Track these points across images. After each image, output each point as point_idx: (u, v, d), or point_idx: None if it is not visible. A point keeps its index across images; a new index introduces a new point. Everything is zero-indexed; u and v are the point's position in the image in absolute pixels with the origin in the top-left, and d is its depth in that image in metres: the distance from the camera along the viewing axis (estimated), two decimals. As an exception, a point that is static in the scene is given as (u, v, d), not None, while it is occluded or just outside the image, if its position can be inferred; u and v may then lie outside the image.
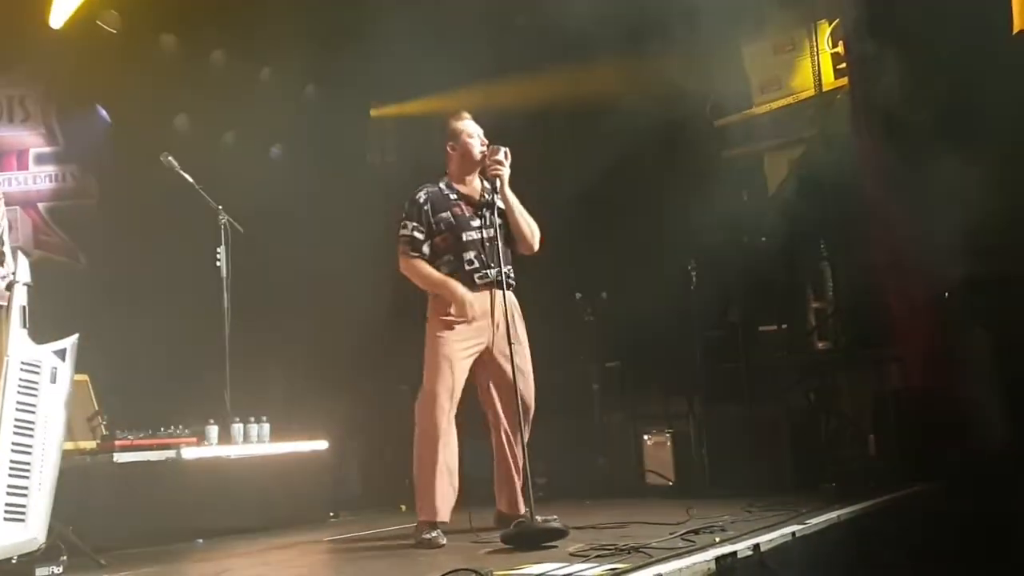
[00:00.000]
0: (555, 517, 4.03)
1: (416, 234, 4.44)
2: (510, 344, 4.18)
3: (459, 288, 4.37)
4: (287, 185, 7.20)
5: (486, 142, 4.57)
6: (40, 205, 7.56)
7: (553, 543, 3.80)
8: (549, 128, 7.74)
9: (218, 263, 5.63)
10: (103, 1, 7.01)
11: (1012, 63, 5.74)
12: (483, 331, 4.43)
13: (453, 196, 4.56)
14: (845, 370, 6.55)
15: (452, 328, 4.36)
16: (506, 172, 4.43)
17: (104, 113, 7.46)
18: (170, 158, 5.64)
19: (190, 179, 5.66)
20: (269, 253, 6.76)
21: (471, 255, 4.44)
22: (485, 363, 4.49)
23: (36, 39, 6.95)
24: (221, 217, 5.69)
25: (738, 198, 7.03)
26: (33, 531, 3.76)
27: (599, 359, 7.04)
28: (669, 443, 6.34)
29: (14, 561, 3.71)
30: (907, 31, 6.51)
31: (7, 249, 3.98)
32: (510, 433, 4.50)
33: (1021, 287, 6.13)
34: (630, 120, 7.04)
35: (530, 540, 3.81)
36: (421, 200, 4.49)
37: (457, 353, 4.37)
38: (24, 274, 3.91)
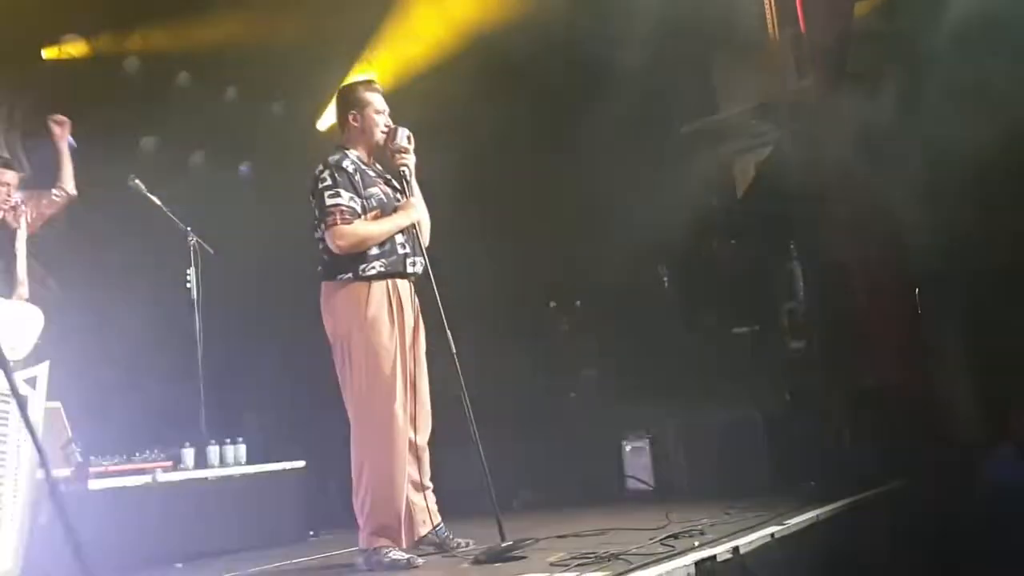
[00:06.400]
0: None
1: (354, 204, 3.95)
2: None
3: (401, 215, 4.01)
4: (256, 203, 7.16)
5: (390, 124, 4.19)
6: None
7: (522, 554, 3.73)
8: (515, 134, 7.74)
9: (188, 285, 5.60)
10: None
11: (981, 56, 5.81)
12: (409, 323, 4.08)
13: (372, 173, 4.13)
14: (820, 368, 6.59)
15: (385, 324, 3.95)
16: (412, 160, 4.14)
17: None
18: (137, 181, 5.61)
19: (158, 202, 5.64)
20: (240, 272, 6.71)
21: (402, 239, 4.07)
22: None
23: (-3, 65, 6.88)
24: (190, 239, 5.66)
25: (707, 202, 7.07)
26: (8, 563, 3.72)
27: (575, 368, 7.06)
28: (648, 448, 6.37)
29: (-11, 593, 3.68)
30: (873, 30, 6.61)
31: None
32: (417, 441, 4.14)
33: (990, 280, 6.21)
34: (598, 126, 7.10)
35: (500, 557, 3.73)
36: (350, 169, 4.01)
37: (397, 352, 3.96)
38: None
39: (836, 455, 6.01)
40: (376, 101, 4.18)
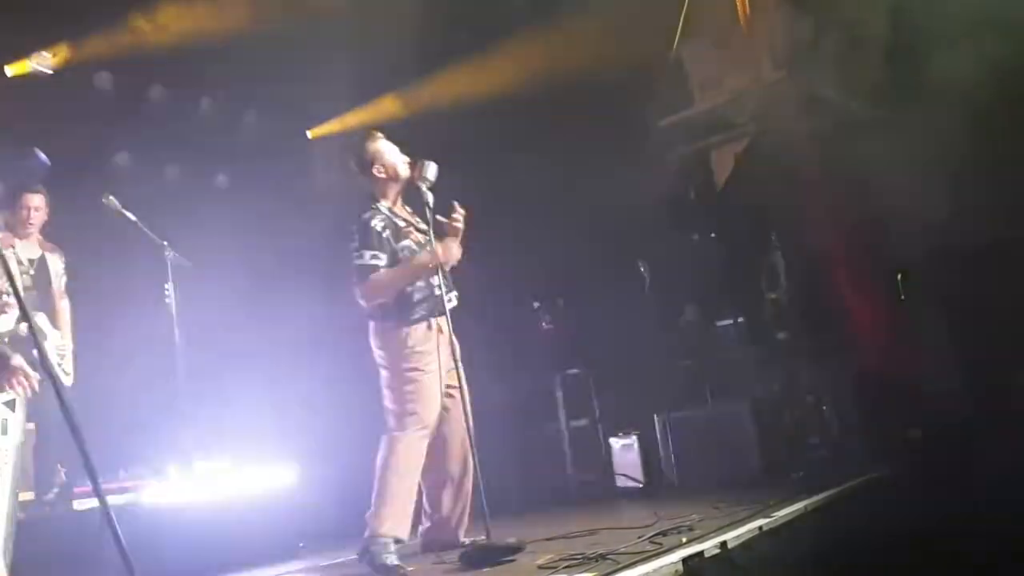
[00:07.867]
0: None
1: (376, 262, 4.24)
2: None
3: (423, 255, 4.30)
4: (233, 215, 7.11)
5: (407, 158, 4.48)
6: (-18, 253, 7.40)
7: (510, 558, 3.77)
8: (498, 135, 7.72)
9: (167, 300, 5.55)
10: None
11: (953, 43, 5.82)
12: (446, 351, 4.35)
13: (403, 224, 4.41)
14: (805, 358, 6.60)
15: (425, 356, 4.28)
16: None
17: (43, 156, 7.32)
18: (111, 197, 5.55)
19: (133, 217, 5.58)
20: (219, 284, 6.66)
21: (436, 281, 4.33)
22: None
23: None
24: (167, 253, 5.61)
25: (686, 196, 7.08)
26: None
27: (560, 366, 7.05)
28: (636, 445, 6.36)
29: (-30, 618, 3.63)
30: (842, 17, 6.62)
31: None
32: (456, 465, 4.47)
33: (973, 262, 6.22)
34: (576, 125, 7.09)
35: (490, 557, 3.79)
36: (379, 228, 4.30)
37: (437, 379, 4.30)
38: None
39: (824, 444, 6.02)
40: (388, 147, 4.49)
